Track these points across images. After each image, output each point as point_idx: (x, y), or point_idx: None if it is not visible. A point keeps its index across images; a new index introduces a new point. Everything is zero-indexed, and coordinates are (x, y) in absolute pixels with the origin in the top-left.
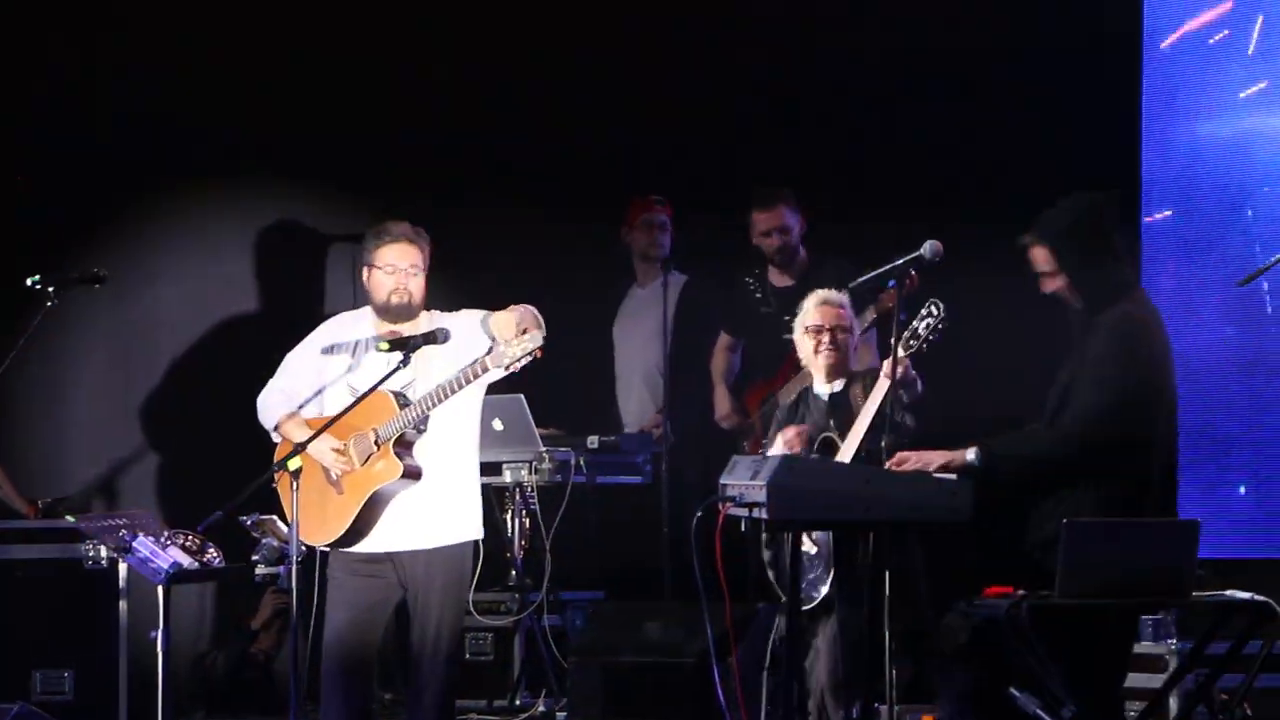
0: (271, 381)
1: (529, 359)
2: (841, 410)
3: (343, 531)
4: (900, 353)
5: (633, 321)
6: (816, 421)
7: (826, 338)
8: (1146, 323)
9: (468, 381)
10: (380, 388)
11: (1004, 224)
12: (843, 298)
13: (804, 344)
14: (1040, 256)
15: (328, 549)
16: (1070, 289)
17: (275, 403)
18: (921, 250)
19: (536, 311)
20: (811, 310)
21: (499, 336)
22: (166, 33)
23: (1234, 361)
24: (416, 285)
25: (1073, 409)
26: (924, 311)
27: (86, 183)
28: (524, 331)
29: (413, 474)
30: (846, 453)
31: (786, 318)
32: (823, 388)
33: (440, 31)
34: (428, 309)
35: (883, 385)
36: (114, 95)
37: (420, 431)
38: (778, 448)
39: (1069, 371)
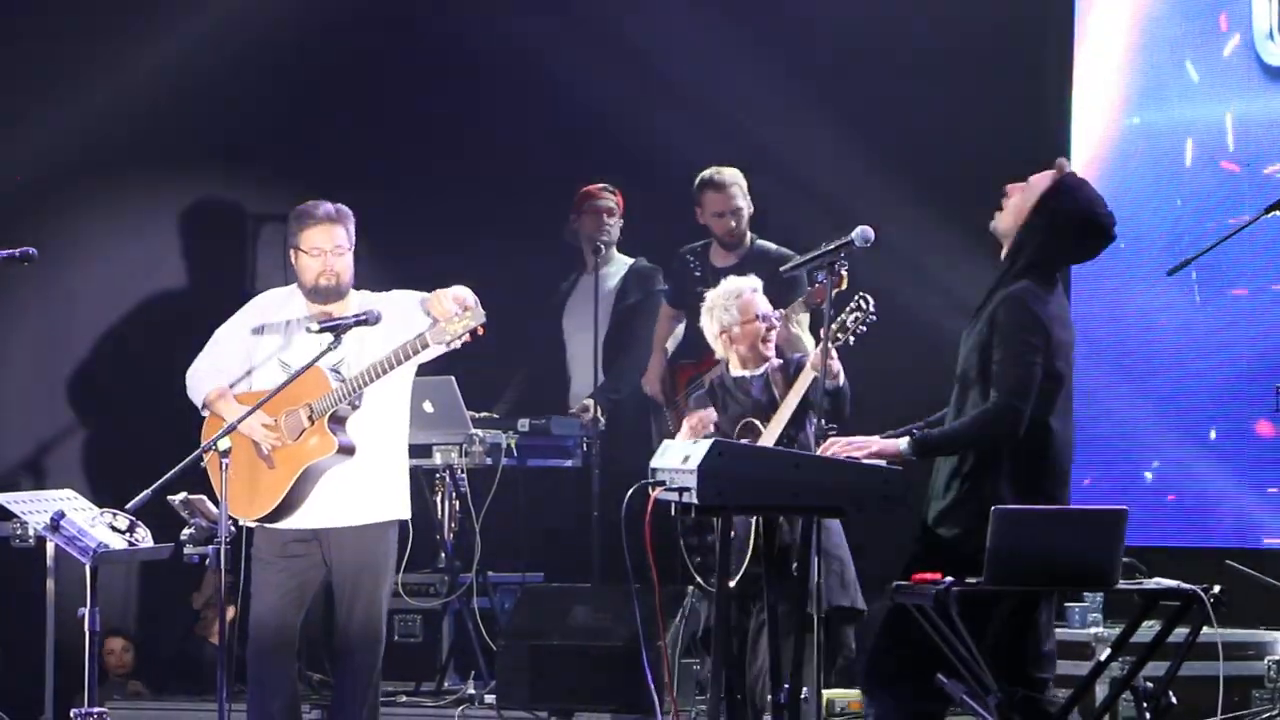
0: (200, 356)
1: (469, 336)
2: (767, 392)
3: (273, 507)
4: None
5: (581, 309)
6: (744, 405)
7: (772, 322)
8: (1043, 299)
9: (406, 358)
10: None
11: (939, 210)
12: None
13: (750, 331)
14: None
15: (255, 525)
16: (1019, 230)
17: (205, 378)
18: (852, 235)
19: (471, 292)
20: (756, 299)
21: (438, 314)
22: (93, 12)
23: (1164, 350)
24: (343, 265)
25: (997, 386)
26: (852, 305)
27: (9, 161)
28: (464, 309)
29: (347, 450)
30: (769, 439)
31: None
32: (743, 371)
33: (382, 7)
34: (359, 289)
35: (807, 375)
36: (39, 75)
37: (355, 407)
38: (684, 434)
39: (973, 342)
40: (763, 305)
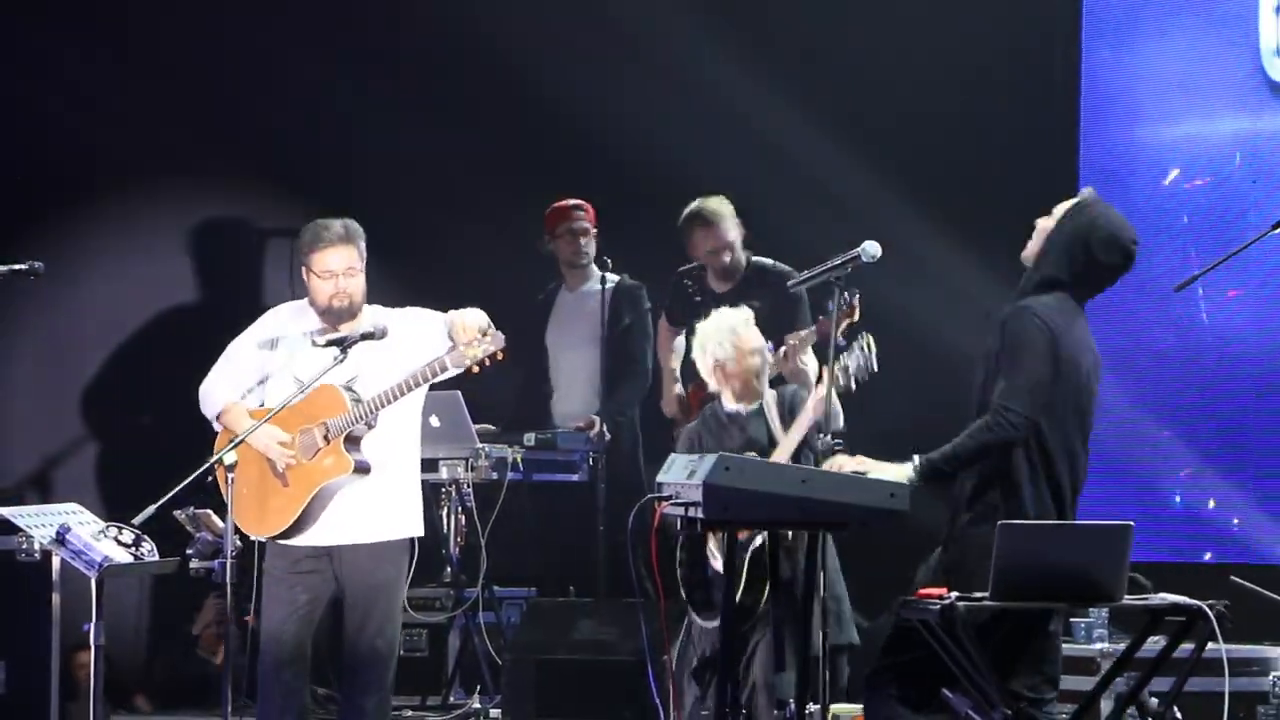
0: (214, 369)
1: (488, 361)
2: (763, 429)
3: (286, 526)
4: (825, 390)
5: (567, 325)
6: (738, 441)
7: (767, 356)
8: (1054, 309)
9: (424, 380)
10: (329, 381)
11: (948, 226)
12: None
13: (745, 367)
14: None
15: (266, 540)
16: (1037, 255)
17: (218, 391)
18: (859, 250)
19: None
20: (749, 334)
21: (458, 338)
22: (99, 27)
23: (1171, 366)
24: (356, 286)
25: (997, 394)
26: (855, 347)
27: (18, 177)
28: (484, 333)
29: (362, 470)
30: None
31: None
32: (736, 406)
33: (374, 29)
34: (370, 304)
35: (806, 418)
36: (46, 91)
37: (370, 427)
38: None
39: (984, 367)
40: (756, 339)
